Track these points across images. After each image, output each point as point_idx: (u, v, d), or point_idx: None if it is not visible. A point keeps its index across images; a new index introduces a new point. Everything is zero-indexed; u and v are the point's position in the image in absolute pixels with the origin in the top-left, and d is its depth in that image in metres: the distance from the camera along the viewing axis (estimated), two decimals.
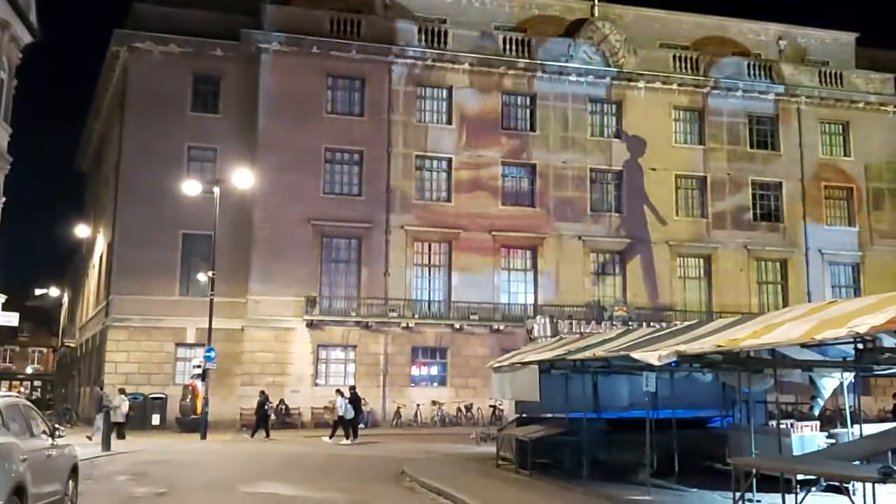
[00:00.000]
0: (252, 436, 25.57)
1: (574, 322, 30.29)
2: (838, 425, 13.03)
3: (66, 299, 57.05)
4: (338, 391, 25.61)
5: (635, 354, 10.41)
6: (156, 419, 29.29)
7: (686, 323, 13.63)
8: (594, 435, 14.17)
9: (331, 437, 24.48)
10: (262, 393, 27.11)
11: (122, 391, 25.86)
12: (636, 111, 36.42)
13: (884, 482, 7.98)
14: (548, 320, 27.77)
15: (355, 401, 24.66)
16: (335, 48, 33.28)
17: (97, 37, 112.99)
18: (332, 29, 33.52)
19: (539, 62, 35.23)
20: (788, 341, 8.46)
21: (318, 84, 33.28)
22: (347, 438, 23.92)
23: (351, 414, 24.38)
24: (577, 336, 19.23)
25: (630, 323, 29.47)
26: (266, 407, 26.53)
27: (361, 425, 30.08)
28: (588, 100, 36.12)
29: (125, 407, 24.80)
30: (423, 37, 34.39)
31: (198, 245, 31.05)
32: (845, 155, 38.98)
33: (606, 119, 36.61)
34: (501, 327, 32.75)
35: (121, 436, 23.42)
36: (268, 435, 25.68)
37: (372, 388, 31.79)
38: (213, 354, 26.30)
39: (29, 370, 73.28)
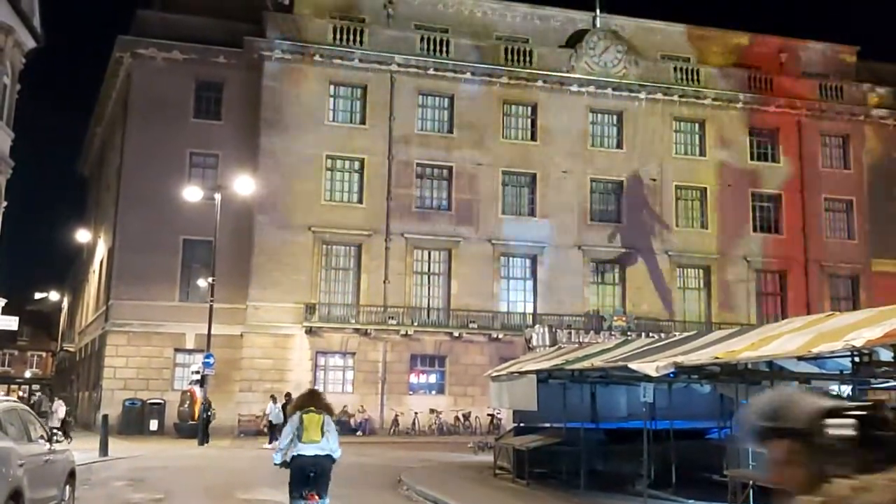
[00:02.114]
0: (200, 443, 25.55)
1: (573, 332, 30.33)
2: None
3: (65, 303, 57.09)
4: (271, 396, 25.56)
5: (633, 365, 10.42)
6: (154, 425, 29.30)
7: (685, 334, 13.64)
8: (592, 445, 14.16)
9: (269, 443, 24.52)
10: (207, 399, 27.30)
11: (58, 396, 25.82)
12: (637, 122, 36.53)
13: None
14: (546, 329, 27.82)
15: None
16: (338, 56, 33.42)
17: (101, 43, 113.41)
18: (334, 37, 33.65)
19: (540, 72, 35.34)
20: (785, 354, 8.49)
21: (320, 92, 33.40)
22: (270, 443, 23.83)
23: (280, 419, 24.47)
24: (576, 346, 19.25)
25: (629, 333, 29.47)
26: (208, 413, 26.68)
27: (359, 433, 30.18)
28: (589, 110, 36.23)
29: (61, 412, 24.75)
30: (426, 46, 34.53)
31: (198, 251, 31.10)
32: (845, 167, 39.07)
33: (607, 129, 36.71)
34: (500, 336, 32.75)
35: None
36: (206, 441, 25.63)
37: (370, 395, 31.79)
38: (212, 360, 26.32)
39: (28, 374, 73.15)
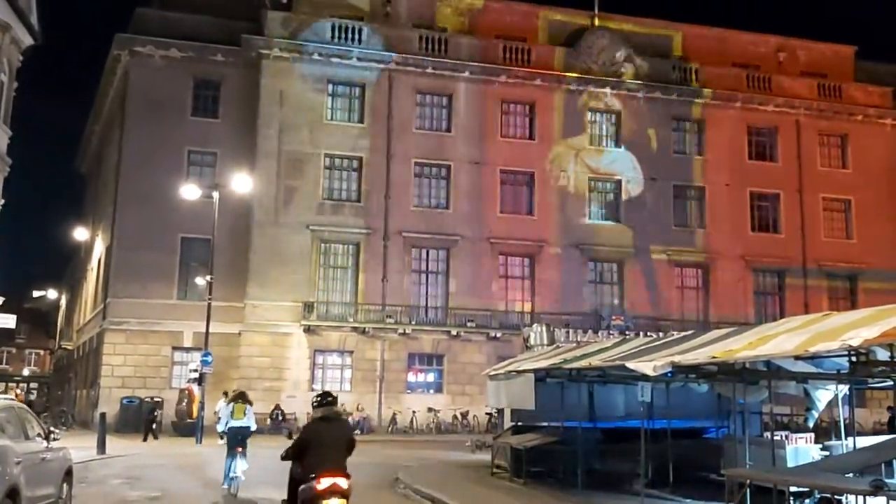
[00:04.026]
0: (144, 440, 25.76)
1: (571, 330, 30.15)
2: (833, 437, 13.04)
3: (63, 302, 57.04)
4: (224, 393, 25.40)
5: (631, 365, 10.42)
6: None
7: (682, 333, 13.63)
8: (589, 444, 14.16)
9: (222, 439, 24.64)
10: (152, 399, 28.26)
11: None
12: (636, 121, 36.54)
13: (875, 495, 8.00)
14: (544, 328, 27.65)
15: None
16: (336, 55, 33.41)
17: (99, 40, 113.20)
18: (332, 36, 33.65)
19: (539, 71, 35.35)
20: (782, 353, 8.49)
21: (318, 90, 33.38)
22: (222, 439, 23.98)
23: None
24: (574, 345, 19.19)
25: (627, 332, 29.42)
26: (155, 413, 27.27)
27: (357, 431, 30.18)
28: (588, 109, 36.23)
29: None
30: (424, 45, 34.53)
31: (196, 249, 31.09)
32: (843, 167, 39.11)
33: (606, 128, 36.73)
34: (498, 335, 32.76)
35: None
36: (150, 438, 26.03)
37: (368, 394, 31.80)
38: (210, 359, 26.29)
39: (25, 372, 73.12)
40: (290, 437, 9.01)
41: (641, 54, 36.91)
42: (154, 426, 27.09)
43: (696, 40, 39.06)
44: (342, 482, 7.44)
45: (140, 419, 29.02)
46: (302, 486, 7.55)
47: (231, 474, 13.31)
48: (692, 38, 39.08)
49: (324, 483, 7.38)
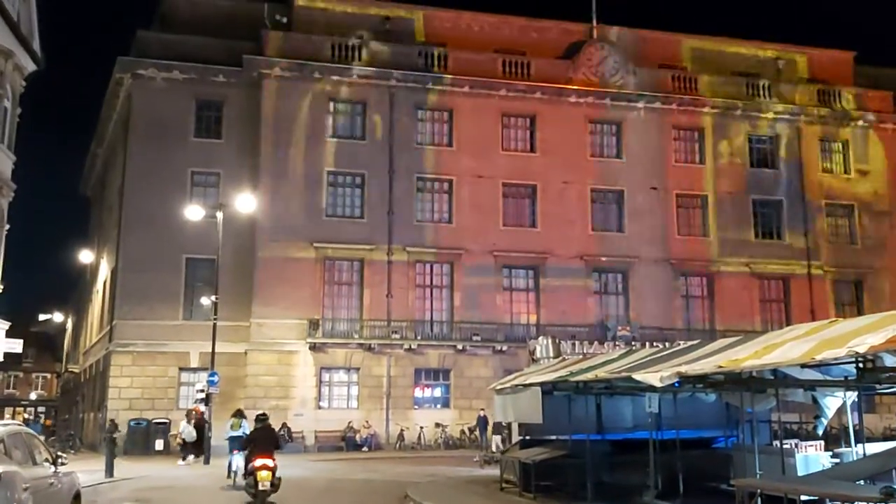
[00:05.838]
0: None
1: (577, 342, 30.16)
2: (843, 444, 12.98)
3: (69, 325, 57.08)
4: (186, 413, 26.37)
5: (637, 376, 10.39)
6: (159, 444, 29.24)
7: (689, 343, 13.60)
8: (598, 457, 14.11)
9: (183, 460, 25.29)
10: (111, 422, 27.31)
11: None
12: (636, 131, 36.61)
13: (886, 502, 7.95)
14: (550, 341, 27.63)
15: (199, 425, 25.12)
16: (336, 73, 33.59)
17: (101, 64, 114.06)
18: (333, 54, 33.85)
19: (539, 84, 35.48)
20: (789, 362, 8.46)
21: (320, 108, 33.55)
22: (184, 460, 24.99)
23: (193, 437, 25.29)
24: (580, 357, 19.16)
25: (633, 343, 29.38)
26: (113, 434, 26.78)
27: (365, 448, 30.12)
28: (588, 120, 36.32)
29: None
30: (424, 61, 34.71)
31: (201, 269, 31.13)
32: (845, 172, 39.11)
33: (606, 139, 36.79)
34: (504, 348, 32.70)
35: None
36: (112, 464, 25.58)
37: (375, 410, 31.73)
38: (216, 378, 26.21)
39: (33, 396, 73.09)
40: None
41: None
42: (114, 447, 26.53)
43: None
44: (269, 462, 13.44)
45: (148, 441, 29.04)
46: (249, 465, 13.61)
47: (232, 469, 17.87)
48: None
49: (257, 462, 13.44)
